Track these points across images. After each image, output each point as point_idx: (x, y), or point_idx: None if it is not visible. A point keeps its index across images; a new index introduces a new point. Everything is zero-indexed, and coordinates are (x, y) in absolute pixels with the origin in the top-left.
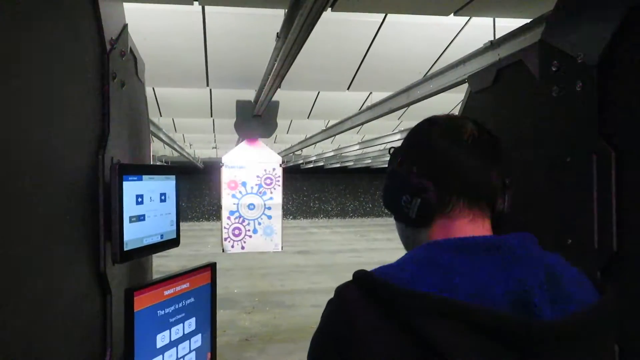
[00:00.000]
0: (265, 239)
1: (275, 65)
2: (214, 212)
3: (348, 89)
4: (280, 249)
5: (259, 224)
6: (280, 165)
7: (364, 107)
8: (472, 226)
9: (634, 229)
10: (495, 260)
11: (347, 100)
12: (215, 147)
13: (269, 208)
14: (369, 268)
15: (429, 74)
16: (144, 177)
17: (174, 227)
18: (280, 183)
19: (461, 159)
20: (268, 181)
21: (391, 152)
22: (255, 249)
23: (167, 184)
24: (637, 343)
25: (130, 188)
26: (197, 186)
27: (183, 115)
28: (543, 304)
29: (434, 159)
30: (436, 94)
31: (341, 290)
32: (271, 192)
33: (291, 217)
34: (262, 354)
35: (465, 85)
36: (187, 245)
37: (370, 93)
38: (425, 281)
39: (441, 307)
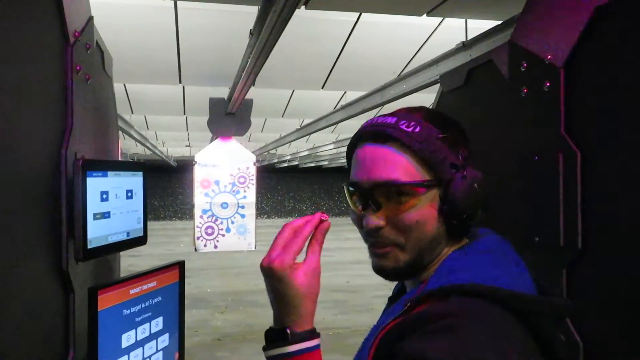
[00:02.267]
0: (238, 238)
1: (249, 62)
2: (187, 211)
3: (322, 87)
4: (253, 248)
5: (232, 222)
6: (254, 163)
7: (339, 106)
8: None
9: (599, 227)
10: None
11: (321, 99)
12: (189, 146)
13: (243, 207)
14: (340, 267)
15: (402, 73)
16: (109, 173)
17: (141, 225)
18: (254, 182)
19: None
20: (242, 180)
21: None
22: (228, 248)
23: (134, 181)
24: (599, 339)
25: (95, 184)
26: (170, 185)
27: (155, 113)
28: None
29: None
30: (409, 94)
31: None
32: (245, 191)
33: (265, 216)
34: (235, 354)
35: (438, 86)
36: (160, 245)
37: (345, 92)
38: (518, 283)
39: (545, 307)
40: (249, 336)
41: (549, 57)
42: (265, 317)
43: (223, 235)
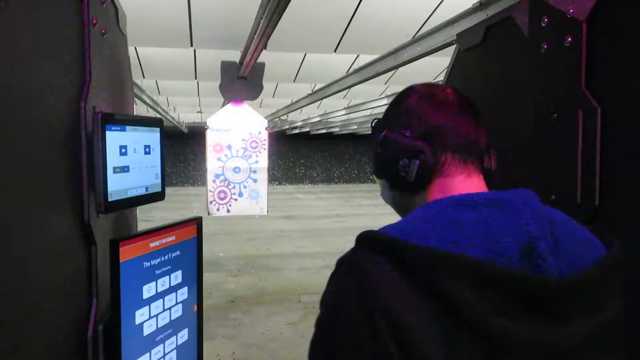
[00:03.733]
0: (250, 203)
1: (261, 24)
2: (198, 178)
3: (335, 51)
4: (266, 212)
5: (245, 187)
6: (266, 128)
7: (351, 70)
8: (469, 182)
9: (617, 184)
10: (500, 214)
11: (333, 63)
12: (200, 112)
13: (255, 171)
14: (353, 233)
15: (416, 35)
16: (128, 127)
17: (159, 181)
18: (266, 147)
19: (449, 117)
20: (254, 144)
21: (374, 123)
22: (240, 212)
23: (152, 136)
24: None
25: (114, 138)
26: (181, 151)
27: (167, 77)
28: (549, 255)
29: (424, 120)
30: (424, 56)
31: (354, 254)
32: (257, 156)
33: (277, 182)
34: (247, 315)
35: (453, 48)
36: (172, 210)
37: (358, 56)
38: (439, 235)
39: (457, 264)
40: (261, 299)
41: (571, 10)
42: (278, 281)
43: (236, 200)
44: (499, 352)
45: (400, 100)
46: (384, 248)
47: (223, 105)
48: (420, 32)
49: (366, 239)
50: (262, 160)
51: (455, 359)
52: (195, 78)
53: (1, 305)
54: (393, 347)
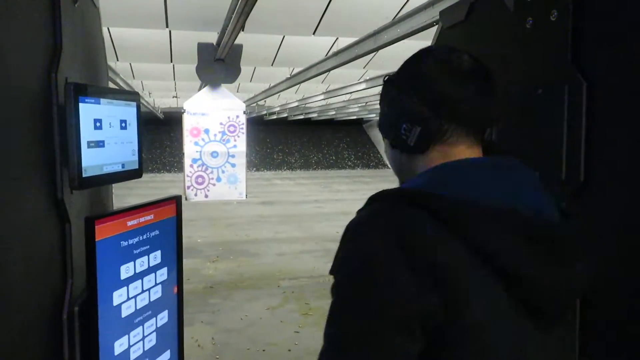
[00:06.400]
0: (229, 188)
1: (239, 1)
2: (174, 164)
3: (314, 33)
4: (244, 197)
5: (223, 172)
6: (244, 112)
7: (330, 53)
8: (470, 152)
9: (602, 159)
10: (503, 174)
11: (312, 46)
12: (176, 97)
13: (233, 156)
14: (331, 218)
15: (396, 17)
16: (102, 100)
17: (136, 157)
18: (244, 131)
19: (461, 88)
20: (232, 129)
21: (386, 79)
22: (219, 198)
23: (128, 111)
24: (599, 271)
25: (88, 111)
26: (157, 137)
27: (141, 60)
28: (548, 210)
29: (434, 88)
30: (404, 38)
31: (387, 199)
32: (235, 140)
33: (254, 169)
34: (227, 300)
35: (433, 31)
36: (148, 197)
37: (337, 39)
38: (464, 187)
39: (482, 211)
40: (240, 284)
41: None
42: (256, 266)
43: (214, 185)
44: (513, 286)
45: (415, 62)
46: (417, 200)
47: (200, 88)
48: (400, 14)
49: (395, 195)
50: (241, 144)
51: (480, 289)
52: (171, 61)
53: None
54: (430, 282)
